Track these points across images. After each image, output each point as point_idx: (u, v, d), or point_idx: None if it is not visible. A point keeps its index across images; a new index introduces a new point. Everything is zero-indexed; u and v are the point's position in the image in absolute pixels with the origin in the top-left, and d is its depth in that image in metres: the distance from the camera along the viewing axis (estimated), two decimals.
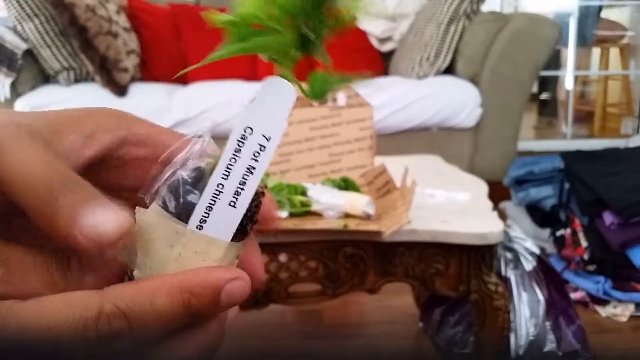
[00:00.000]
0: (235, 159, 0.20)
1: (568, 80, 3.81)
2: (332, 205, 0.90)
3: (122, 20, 2.36)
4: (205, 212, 0.20)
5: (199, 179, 0.20)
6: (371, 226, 0.87)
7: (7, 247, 0.20)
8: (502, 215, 1.98)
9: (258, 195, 0.21)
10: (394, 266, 0.92)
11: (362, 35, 2.64)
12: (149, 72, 2.48)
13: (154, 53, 2.50)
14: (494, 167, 2.27)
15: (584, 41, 3.73)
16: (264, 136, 0.20)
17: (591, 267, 1.59)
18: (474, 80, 2.28)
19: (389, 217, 0.90)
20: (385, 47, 2.66)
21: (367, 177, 0.99)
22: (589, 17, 3.73)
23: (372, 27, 2.62)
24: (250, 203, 0.21)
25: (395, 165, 1.02)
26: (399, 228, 0.87)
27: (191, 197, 0.20)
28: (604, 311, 1.55)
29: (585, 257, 1.60)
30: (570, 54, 3.64)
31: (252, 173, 0.20)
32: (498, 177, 2.10)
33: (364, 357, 1.39)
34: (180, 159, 0.21)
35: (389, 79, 2.37)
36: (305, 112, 1.07)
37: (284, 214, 0.90)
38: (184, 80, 2.46)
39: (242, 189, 0.21)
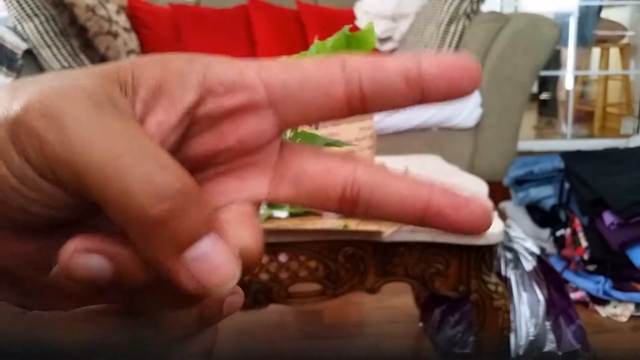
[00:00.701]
0: None
1: (568, 80, 3.81)
2: None
3: (122, 20, 2.36)
4: None
5: None
6: (371, 226, 0.87)
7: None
8: (502, 215, 1.98)
9: None
10: (394, 266, 0.92)
11: None
12: None
13: (154, 53, 2.49)
14: (494, 167, 2.26)
15: (584, 41, 3.73)
16: None
17: (591, 267, 1.59)
18: None
19: None
20: (385, 47, 2.66)
21: None
22: (589, 17, 3.73)
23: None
24: None
25: (395, 165, 1.02)
26: (399, 228, 0.87)
27: None
28: (604, 311, 1.55)
29: (585, 257, 1.60)
30: (570, 54, 3.64)
31: None
32: (498, 177, 2.10)
33: (364, 357, 1.39)
34: None
35: None
36: None
37: (284, 214, 0.90)
38: None
39: None
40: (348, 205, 0.18)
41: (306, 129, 0.22)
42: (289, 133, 0.22)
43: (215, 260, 0.15)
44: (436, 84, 0.18)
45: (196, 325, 0.19)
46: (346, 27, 0.27)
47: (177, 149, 0.17)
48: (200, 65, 0.17)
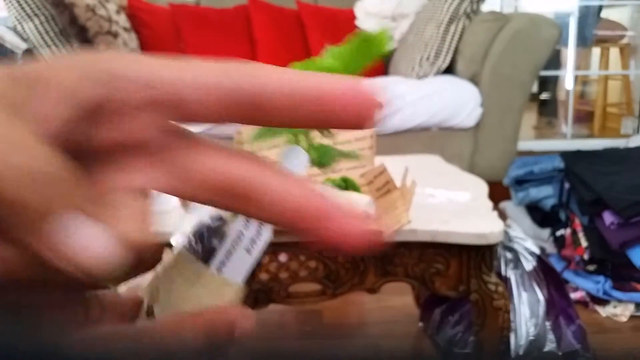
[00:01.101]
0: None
1: (568, 80, 3.81)
2: None
3: (122, 20, 2.36)
4: (225, 257, 0.22)
5: (221, 226, 0.22)
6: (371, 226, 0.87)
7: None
8: (502, 215, 1.98)
9: (265, 247, 0.23)
10: (394, 266, 0.92)
11: None
12: None
13: (154, 53, 2.49)
14: (494, 167, 2.26)
15: (584, 41, 3.73)
16: None
17: (591, 267, 1.59)
18: (474, 80, 2.28)
19: (389, 217, 0.90)
20: None
21: (367, 177, 0.99)
22: (589, 17, 3.73)
23: (372, 27, 2.62)
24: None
25: (395, 165, 1.02)
26: (399, 228, 0.87)
27: (214, 242, 0.22)
28: (604, 311, 1.55)
29: (585, 257, 1.60)
30: (570, 54, 3.64)
31: (266, 224, 0.23)
32: (498, 177, 2.10)
33: (364, 357, 1.39)
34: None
35: (389, 79, 2.37)
36: None
37: None
38: None
39: (258, 239, 0.23)
40: (232, 202, 0.18)
41: (320, 140, 0.23)
42: (304, 143, 0.22)
43: (82, 238, 0.15)
44: (327, 111, 0.18)
45: (204, 347, 0.20)
46: (361, 32, 0.27)
47: (70, 140, 0.17)
48: (103, 63, 0.18)
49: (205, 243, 0.22)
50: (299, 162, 0.23)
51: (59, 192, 0.15)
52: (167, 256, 0.22)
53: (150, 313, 0.22)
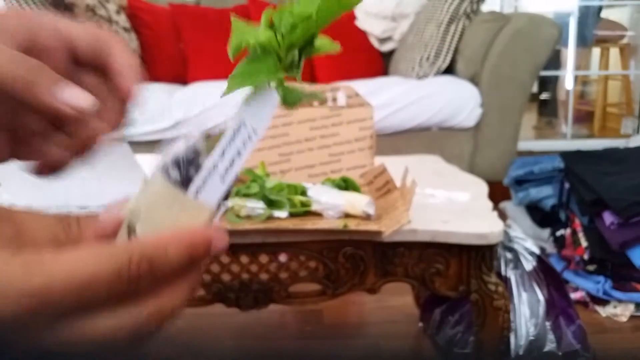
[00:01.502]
0: (230, 144, 0.26)
1: (568, 80, 3.81)
2: (332, 205, 0.90)
3: (122, 20, 2.36)
4: (201, 184, 0.25)
5: (196, 157, 0.25)
6: (371, 226, 0.87)
7: (17, 212, 0.24)
8: (502, 215, 1.98)
9: (237, 177, 0.26)
10: (394, 266, 0.92)
11: (362, 35, 2.63)
12: (149, 72, 2.48)
13: (154, 53, 2.49)
14: (494, 167, 2.26)
15: (584, 41, 3.73)
16: (253, 129, 0.26)
17: (591, 267, 1.59)
18: (474, 80, 2.28)
19: (389, 217, 0.90)
20: (385, 47, 2.66)
21: (367, 177, 0.99)
22: (589, 17, 3.73)
23: (372, 27, 2.62)
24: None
25: (395, 165, 1.02)
26: (399, 228, 0.87)
27: (191, 171, 0.25)
28: (604, 311, 1.55)
29: (585, 257, 1.60)
30: (570, 54, 3.64)
31: (239, 156, 0.26)
32: (498, 177, 2.10)
33: (364, 357, 1.39)
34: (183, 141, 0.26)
35: (389, 79, 2.37)
36: (305, 112, 1.07)
37: (284, 214, 0.90)
38: (184, 80, 2.46)
39: (231, 168, 0.26)
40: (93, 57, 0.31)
41: (292, 83, 0.28)
42: (273, 84, 0.27)
43: (75, 93, 0.27)
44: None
45: (186, 262, 0.24)
46: None
47: None
48: (32, 18, 0.30)
49: (182, 172, 0.25)
50: (270, 102, 0.27)
51: (52, 74, 0.27)
52: (148, 182, 0.25)
53: (131, 232, 0.25)
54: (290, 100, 0.27)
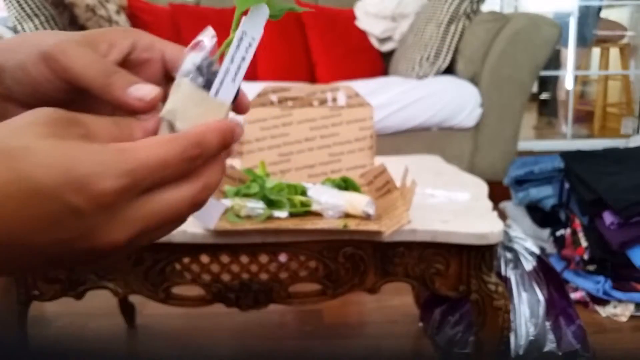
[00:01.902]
0: (236, 51, 0.33)
1: (568, 80, 3.81)
2: (332, 205, 0.90)
3: (122, 20, 2.36)
4: (219, 85, 0.32)
5: (211, 64, 0.32)
6: (371, 226, 0.87)
7: (83, 116, 0.30)
8: (502, 215, 1.98)
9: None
10: (394, 266, 0.92)
11: (362, 35, 2.63)
12: None
13: None
14: (494, 167, 2.26)
15: (584, 41, 3.73)
16: (252, 38, 0.33)
17: (591, 267, 1.59)
18: (474, 80, 2.28)
19: (389, 217, 0.90)
20: (385, 47, 2.66)
21: (367, 177, 0.99)
22: (589, 17, 3.73)
23: (372, 27, 2.62)
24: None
25: (395, 165, 1.02)
26: (399, 228, 0.87)
27: (209, 76, 0.32)
28: (604, 311, 1.55)
29: (585, 257, 1.60)
30: (570, 54, 3.64)
31: (244, 61, 0.33)
32: (498, 177, 2.10)
33: (364, 357, 1.39)
34: (201, 50, 0.33)
35: (389, 79, 2.37)
36: (305, 112, 1.07)
37: (284, 214, 0.90)
38: None
39: (239, 71, 0.33)
40: None
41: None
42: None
43: (143, 88, 0.32)
44: None
45: (220, 147, 0.31)
46: None
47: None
48: (132, 33, 0.36)
49: (205, 77, 0.32)
50: (263, 14, 0.33)
51: (126, 77, 0.33)
52: (178, 88, 0.32)
53: (172, 128, 0.32)
54: (275, 13, 0.34)
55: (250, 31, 0.33)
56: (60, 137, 0.27)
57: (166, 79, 0.37)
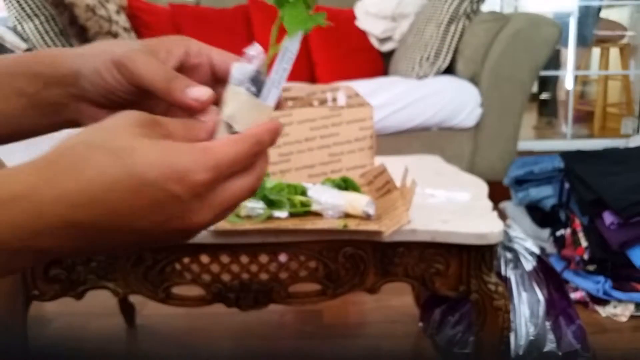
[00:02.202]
0: (280, 63, 0.39)
1: (568, 80, 3.81)
2: (332, 205, 0.90)
3: (122, 20, 2.36)
4: (267, 92, 0.39)
5: (259, 74, 0.39)
6: (371, 226, 0.87)
7: (160, 118, 0.36)
8: (502, 215, 1.98)
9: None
10: (394, 266, 0.92)
11: (362, 35, 2.63)
12: None
13: None
14: (494, 167, 2.26)
15: (584, 41, 3.73)
16: (291, 52, 0.40)
17: (591, 267, 1.59)
18: (474, 80, 2.28)
19: (389, 217, 0.90)
20: (385, 47, 2.66)
21: (367, 177, 0.99)
22: (589, 17, 3.73)
23: (372, 27, 2.62)
24: None
25: (395, 165, 1.02)
26: (399, 228, 0.87)
27: (259, 85, 0.39)
28: (604, 311, 1.55)
29: (585, 257, 1.60)
30: (570, 54, 3.64)
31: (285, 71, 0.40)
32: (498, 177, 2.10)
33: (364, 357, 1.39)
34: (250, 66, 0.39)
35: (389, 79, 2.37)
36: (305, 112, 1.07)
37: (284, 214, 0.90)
38: None
39: (281, 79, 0.39)
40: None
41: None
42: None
43: (198, 90, 0.39)
44: None
45: (269, 145, 0.38)
46: None
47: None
48: (185, 41, 0.43)
49: (257, 86, 0.39)
50: (298, 36, 0.40)
51: (185, 80, 0.39)
52: (234, 96, 0.39)
53: (230, 130, 0.38)
54: (292, 26, 0.41)
55: (291, 47, 0.40)
56: (150, 137, 0.34)
57: (213, 79, 0.43)
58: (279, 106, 0.41)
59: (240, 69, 0.39)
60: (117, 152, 0.32)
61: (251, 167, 0.37)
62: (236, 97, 0.38)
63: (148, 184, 0.32)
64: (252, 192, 0.37)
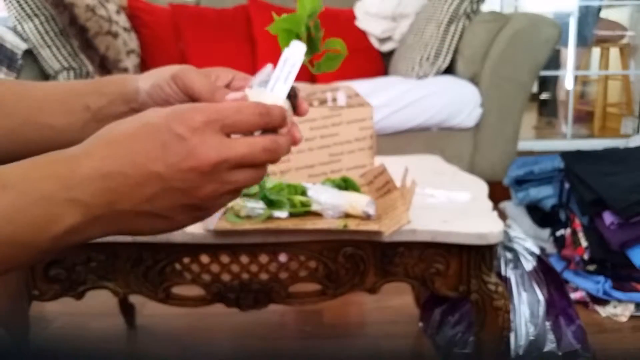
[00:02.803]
0: (283, 67, 0.47)
1: (568, 80, 3.81)
2: (332, 205, 0.90)
3: (122, 20, 2.36)
4: (273, 85, 0.46)
5: (269, 77, 0.47)
6: (371, 226, 0.87)
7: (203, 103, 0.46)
8: (502, 215, 1.98)
9: (294, 89, 0.47)
10: (394, 266, 0.92)
11: (362, 35, 2.63)
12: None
13: (154, 53, 2.49)
14: (494, 167, 2.26)
15: (584, 41, 3.73)
16: (294, 61, 0.47)
17: (591, 267, 1.59)
18: (474, 80, 2.28)
19: (389, 217, 0.90)
20: (385, 47, 2.66)
21: (367, 177, 0.99)
22: (589, 17, 3.72)
23: (372, 27, 2.62)
24: (291, 87, 0.47)
25: (395, 165, 1.02)
26: (399, 228, 0.87)
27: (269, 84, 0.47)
28: (604, 311, 1.55)
29: (585, 257, 1.60)
30: (570, 54, 3.64)
31: (290, 73, 0.46)
32: (498, 177, 2.10)
33: (364, 357, 1.39)
34: (264, 73, 0.48)
35: (389, 79, 2.37)
36: None
37: (284, 214, 0.90)
38: None
39: (288, 77, 0.46)
40: None
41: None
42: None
43: (233, 95, 0.47)
44: None
45: (283, 120, 0.45)
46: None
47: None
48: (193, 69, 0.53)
49: (266, 84, 0.46)
50: (301, 46, 0.48)
51: (224, 90, 0.50)
52: (253, 92, 0.46)
53: None
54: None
55: (292, 57, 0.47)
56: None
57: None
58: (299, 111, 0.48)
59: (256, 77, 0.48)
60: (139, 115, 0.41)
61: (259, 167, 0.42)
62: (251, 91, 0.46)
63: (156, 128, 0.39)
64: (256, 180, 0.42)
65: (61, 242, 0.38)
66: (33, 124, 0.52)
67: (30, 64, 2.24)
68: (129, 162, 0.38)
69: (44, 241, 0.37)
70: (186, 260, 0.92)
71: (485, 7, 2.42)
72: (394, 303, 1.58)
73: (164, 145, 0.38)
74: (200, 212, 0.42)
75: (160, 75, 0.51)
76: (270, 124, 0.43)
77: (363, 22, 2.64)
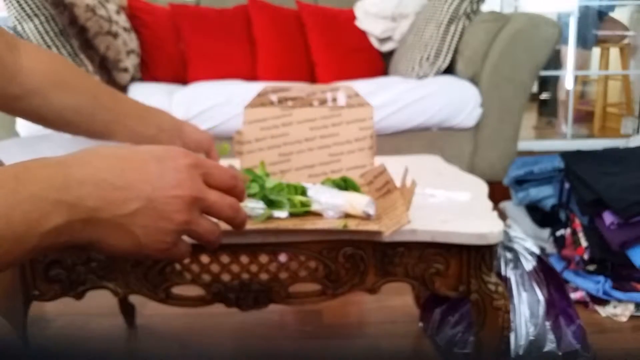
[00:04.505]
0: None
1: (568, 80, 3.81)
2: (332, 205, 0.90)
3: (122, 20, 2.36)
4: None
5: None
6: (371, 226, 0.87)
7: (185, 125, 0.80)
8: (502, 215, 1.98)
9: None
10: (394, 266, 0.92)
11: (362, 35, 2.63)
12: (149, 72, 2.48)
13: (154, 53, 2.49)
14: (494, 167, 2.26)
15: (584, 41, 3.73)
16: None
17: (591, 267, 1.59)
18: (474, 80, 2.28)
19: (389, 217, 0.90)
20: (385, 47, 2.66)
21: (367, 177, 0.99)
22: (589, 17, 3.73)
23: (372, 27, 2.62)
24: None
25: (395, 165, 1.02)
26: (399, 228, 0.87)
27: None
28: (604, 311, 1.55)
29: (585, 257, 1.60)
30: (570, 54, 3.64)
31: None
32: (498, 177, 2.10)
33: (364, 357, 1.39)
34: None
35: (389, 79, 2.37)
36: (305, 112, 1.07)
37: (284, 214, 0.90)
38: (184, 80, 2.46)
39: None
40: None
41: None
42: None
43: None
44: None
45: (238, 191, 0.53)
46: None
47: None
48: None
49: None
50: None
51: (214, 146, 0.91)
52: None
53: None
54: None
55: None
56: None
57: None
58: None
59: None
60: (139, 146, 0.48)
61: (226, 204, 0.49)
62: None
63: (155, 157, 0.45)
64: (215, 231, 0.50)
65: (48, 239, 0.40)
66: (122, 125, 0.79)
67: None
68: (121, 177, 0.42)
69: (34, 236, 0.39)
70: (186, 260, 0.92)
71: (485, 7, 2.42)
72: (394, 303, 1.58)
73: (160, 174, 0.44)
74: (166, 242, 0.45)
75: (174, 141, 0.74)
76: (237, 188, 0.50)
77: (363, 22, 2.64)
